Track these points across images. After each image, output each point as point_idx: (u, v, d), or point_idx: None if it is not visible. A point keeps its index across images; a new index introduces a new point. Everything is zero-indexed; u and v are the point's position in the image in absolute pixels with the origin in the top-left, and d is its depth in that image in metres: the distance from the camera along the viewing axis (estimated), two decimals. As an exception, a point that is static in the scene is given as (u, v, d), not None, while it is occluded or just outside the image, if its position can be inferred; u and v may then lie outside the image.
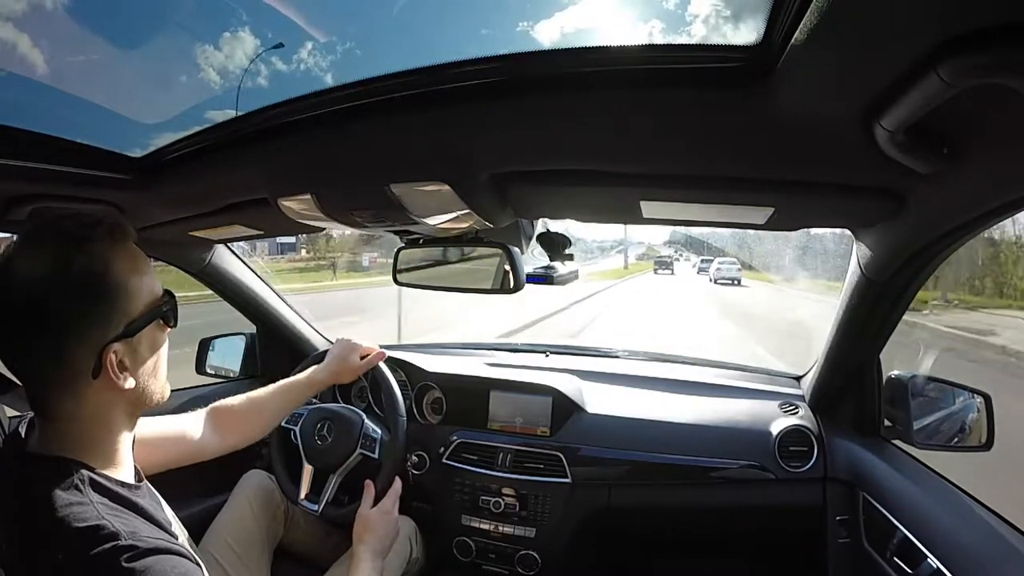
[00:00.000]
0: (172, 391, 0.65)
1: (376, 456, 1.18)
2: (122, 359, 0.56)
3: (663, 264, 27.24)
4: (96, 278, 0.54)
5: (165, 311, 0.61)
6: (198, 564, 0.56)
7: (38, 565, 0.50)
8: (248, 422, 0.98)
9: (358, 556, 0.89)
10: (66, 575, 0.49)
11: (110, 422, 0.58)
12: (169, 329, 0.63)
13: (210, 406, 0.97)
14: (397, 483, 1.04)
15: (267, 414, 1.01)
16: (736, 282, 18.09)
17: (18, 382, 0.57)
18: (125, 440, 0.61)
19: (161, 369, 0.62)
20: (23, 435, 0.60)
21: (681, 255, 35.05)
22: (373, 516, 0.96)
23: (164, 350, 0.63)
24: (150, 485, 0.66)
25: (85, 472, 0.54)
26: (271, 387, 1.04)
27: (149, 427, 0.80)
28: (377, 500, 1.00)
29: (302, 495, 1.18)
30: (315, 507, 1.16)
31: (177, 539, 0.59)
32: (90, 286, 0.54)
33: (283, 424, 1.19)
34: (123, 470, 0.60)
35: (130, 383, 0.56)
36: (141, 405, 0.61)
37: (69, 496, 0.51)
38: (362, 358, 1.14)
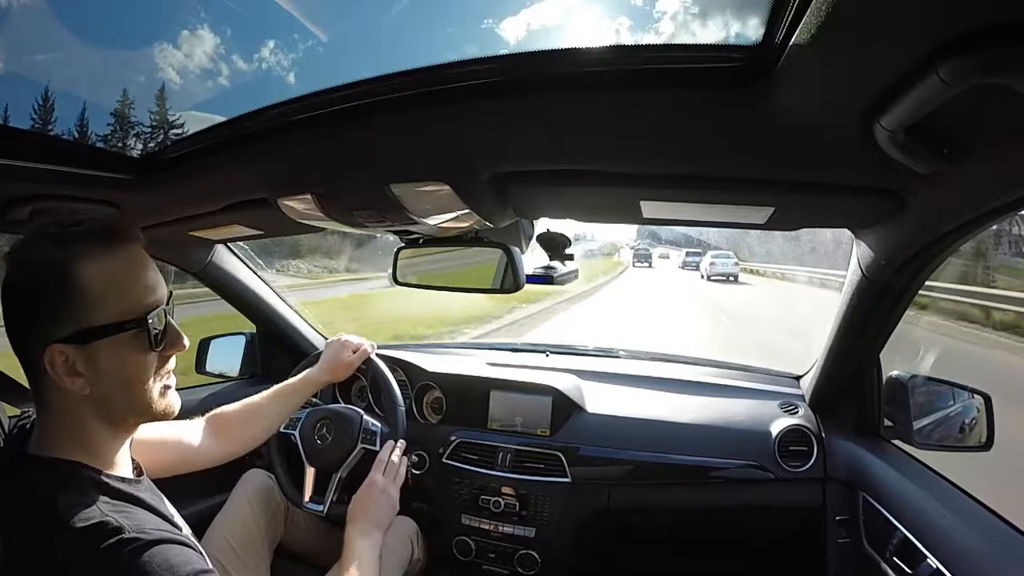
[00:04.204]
0: (184, 388, 0.64)
1: (378, 449, 1.18)
2: (73, 363, 0.54)
3: (641, 257, 30.50)
4: (56, 275, 0.53)
5: (131, 331, 0.56)
6: (202, 555, 0.57)
7: (43, 567, 0.50)
8: (245, 429, 0.98)
9: (349, 539, 0.89)
10: (72, 574, 0.49)
11: (84, 421, 0.57)
12: (155, 351, 0.58)
13: (208, 414, 0.97)
14: (402, 466, 1.05)
15: (264, 420, 1.01)
16: (733, 279, 16.78)
17: (18, 382, 0.57)
18: (115, 439, 0.60)
19: (139, 387, 0.58)
20: (23, 436, 0.60)
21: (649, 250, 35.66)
22: (364, 491, 0.97)
23: (145, 367, 0.58)
24: (151, 481, 0.66)
25: (84, 471, 0.55)
26: (267, 392, 1.03)
27: (147, 430, 0.79)
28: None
29: (306, 498, 1.18)
30: (320, 508, 1.16)
31: (181, 531, 0.59)
32: (48, 282, 0.54)
33: (282, 429, 1.19)
34: (120, 467, 0.60)
35: (82, 388, 0.55)
36: (119, 413, 0.59)
37: (70, 497, 0.51)
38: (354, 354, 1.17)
